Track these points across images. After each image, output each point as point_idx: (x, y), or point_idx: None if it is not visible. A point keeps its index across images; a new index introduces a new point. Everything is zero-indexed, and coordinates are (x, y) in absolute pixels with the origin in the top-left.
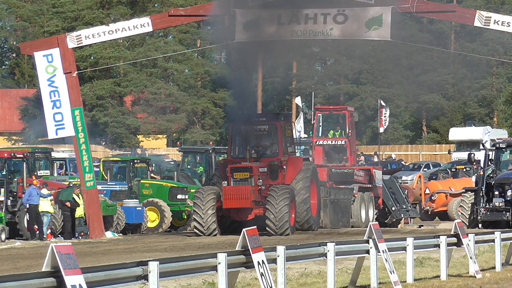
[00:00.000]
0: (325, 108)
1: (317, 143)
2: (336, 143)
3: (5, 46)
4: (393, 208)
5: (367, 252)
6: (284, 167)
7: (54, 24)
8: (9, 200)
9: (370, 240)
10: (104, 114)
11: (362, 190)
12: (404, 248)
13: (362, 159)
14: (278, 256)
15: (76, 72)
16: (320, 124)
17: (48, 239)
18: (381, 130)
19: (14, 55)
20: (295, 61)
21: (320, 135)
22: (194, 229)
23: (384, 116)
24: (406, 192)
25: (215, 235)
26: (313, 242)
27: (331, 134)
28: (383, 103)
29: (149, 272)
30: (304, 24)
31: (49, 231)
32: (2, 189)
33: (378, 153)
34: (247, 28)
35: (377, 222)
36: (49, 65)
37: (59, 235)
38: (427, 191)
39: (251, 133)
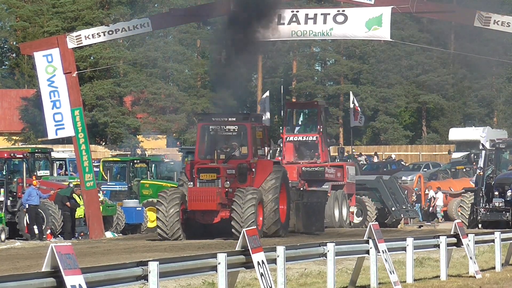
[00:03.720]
0: (295, 103)
1: (288, 139)
2: (307, 139)
3: (5, 46)
4: (393, 209)
5: (367, 252)
6: (253, 169)
7: (54, 24)
8: (8, 200)
9: (370, 240)
10: (104, 114)
11: (335, 188)
12: (404, 248)
13: (362, 158)
14: (278, 256)
15: (76, 72)
16: (291, 119)
17: (48, 239)
18: (356, 123)
19: (14, 55)
20: (295, 61)
21: (290, 131)
22: (158, 234)
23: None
24: (406, 192)
25: (180, 239)
26: (313, 242)
27: (302, 129)
28: (355, 102)
29: (149, 272)
30: (304, 24)
31: (49, 231)
32: (2, 189)
33: (377, 153)
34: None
35: (377, 222)
36: (49, 65)
37: (59, 235)
38: (427, 192)
39: (219, 134)
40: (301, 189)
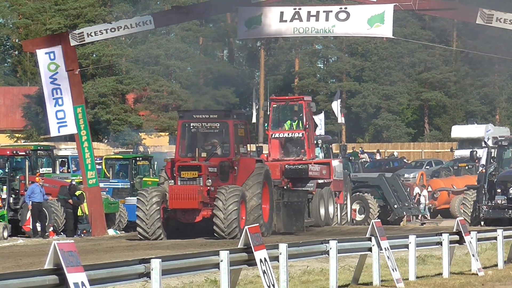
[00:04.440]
0: (280, 98)
1: (273, 135)
2: (292, 135)
3: (7, 43)
4: (395, 206)
5: (370, 249)
6: (235, 168)
7: (56, 22)
8: (11, 198)
9: (373, 238)
10: (106, 111)
11: (321, 186)
12: (407, 246)
13: (364, 156)
14: (280, 254)
15: (78, 69)
16: (276, 115)
17: (50, 236)
18: (342, 120)
19: (16, 52)
20: (297, 59)
21: (276, 127)
22: (138, 234)
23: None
24: (408, 190)
25: (161, 238)
26: (315, 239)
27: (287, 126)
28: (339, 99)
29: (152, 270)
30: (306, 21)
31: (51, 228)
32: (4, 187)
33: (380, 150)
34: (249, 25)
35: (379, 220)
36: (51, 63)
37: (61, 233)
38: (430, 189)
39: (200, 131)
40: (284, 187)
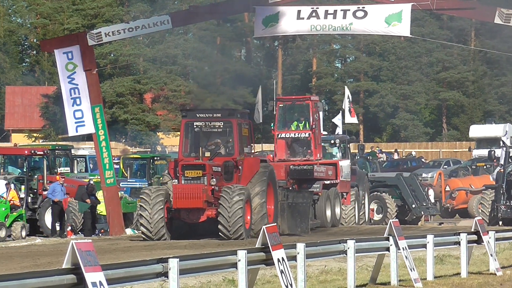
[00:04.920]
0: (287, 98)
1: (279, 136)
2: (299, 135)
3: (26, 43)
4: (413, 206)
5: (387, 249)
6: (240, 167)
7: (74, 22)
8: (29, 197)
9: (390, 238)
10: (124, 111)
11: (327, 187)
12: (424, 246)
13: (382, 155)
14: (298, 254)
15: (96, 69)
16: (283, 115)
17: (68, 236)
18: (355, 120)
19: (34, 52)
20: (315, 58)
21: (282, 127)
22: (141, 233)
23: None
24: (426, 190)
25: (164, 239)
26: (333, 239)
27: (294, 126)
28: (349, 96)
29: (169, 269)
30: (324, 19)
31: (69, 228)
32: (23, 186)
33: (398, 150)
34: (266, 23)
35: (397, 220)
36: (69, 63)
37: (79, 232)
38: (447, 189)
39: (204, 130)
40: (290, 188)
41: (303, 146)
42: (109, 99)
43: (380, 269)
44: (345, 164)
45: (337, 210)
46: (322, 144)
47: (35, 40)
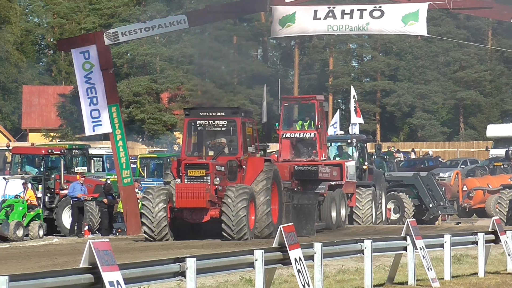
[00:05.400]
0: (292, 97)
1: (284, 135)
2: (304, 135)
3: (42, 43)
4: (431, 205)
5: (405, 249)
6: (244, 167)
7: (91, 21)
8: (46, 197)
9: (408, 237)
10: (141, 110)
11: (333, 188)
12: (442, 245)
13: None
14: (315, 253)
15: (113, 68)
16: (287, 115)
17: (85, 235)
18: (361, 120)
19: (51, 52)
20: (332, 58)
21: (287, 127)
22: (144, 233)
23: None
24: (443, 189)
25: (167, 239)
26: (350, 239)
27: (299, 126)
28: (355, 95)
29: (186, 269)
30: (340, 19)
31: (87, 227)
32: (40, 186)
33: (415, 150)
34: (283, 24)
35: (414, 219)
36: (86, 62)
37: (97, 232)
38: (465, 188)
39: (207, 129)
40: (295, 189)
41: (308, 146)
42: (126, 99)
43: (397, 269)
44: (350, 165)
45: (343, 212)
46: (339, 143)
47: (52, 40)
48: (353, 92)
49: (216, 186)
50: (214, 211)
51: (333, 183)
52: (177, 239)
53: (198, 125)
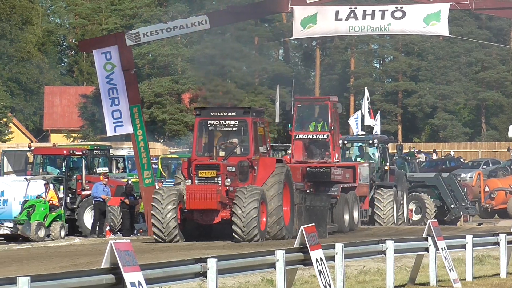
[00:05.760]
0: (305, 98)
1: (297, 137)
2: (317, 137)
3: (64, 43)
4: (452, 206)
5: (426, 249)
6: (255, 167)
7: (113, 22)
8: (68, 197)
9: (429, 238)
10: (162, 111)
11: (346, 190)
12: (464, 246)
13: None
14: (336, 254)
15: (134, 69)
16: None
17: (106, 236)
18: (374, 122)
19: (72, 52)
20: (353, 58)
21: (300, 128)
22: (153, 235)
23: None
24: (465, 190)
25: (177, 241)
26: (372, 239)
27: (312, 127)
28: (368, 97)
29: (208, 269)
30: (362, 20)
31: (108, 228)
32: (62, 186)
33: (436, 150)
34: (304, 24)
35: (436, 220)
36: (107, 63)
37: (118, 232)
38: (487, 189)
39: (218, 129)
40: (307, 191)
41: (321, 147)
42: (147, 99)
43: (419, 270)
44: (364, 167)
45: (355, 214)
46: (361, 144)
47: (73, 41)
48: (366, 94)
49: (227, 187)
50: (225, 212)
51: (346, 185)
52: (187, 241)
53: (209, 125)
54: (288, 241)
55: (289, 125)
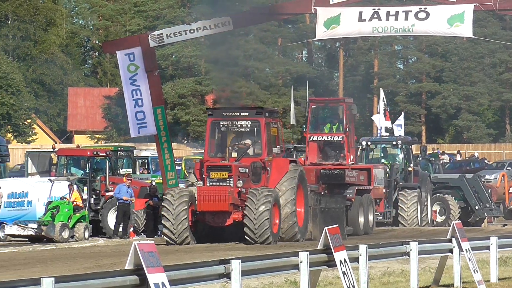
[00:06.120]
0: (320, 99)
1: (311, 138)
2: (332, 138)
3: (88, 45)
4: (476, 207)
5: (450, 251)
6: (268, 168)
7: (136, 23)
8: (92, 198)
9: (453, 239)
10: (186, 112)
11: (361, 193)
12: (488, 247)
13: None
14: (360, 255)
15: (158, 70)
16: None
17: (130, 237)
18: (389, 124)
19: (96, 54)
20: (377, 59)
21: (314, 130)
22: (164, 237)
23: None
24: (489, 191)
25: (188, 243)
26: (396, 241)
27: (327, 128)
28: (384, 99)
29: (231, 271)
30: (385, 21)
31: (132, 229)
32: (85, 187)
33: (460, 151)
34: (328, 25)
35: (460, 221)
36: (131, 64)
37: (142, 233)
38: (511, 190)
39: (231, 130)
40: (322, 193)
41: (336, 149)
42: (170, 101)
43: (443, 271)
44: (379, 170)
45: (370, 217)
46: (384, 145)
47: (97, 42)
48: (382, 95)
49: (239, 189)
50: (237, 214)
51: (361, 187)
52: (199, 243)
53: (221, 126)
54: (302, 243)
55: (304, 127)
